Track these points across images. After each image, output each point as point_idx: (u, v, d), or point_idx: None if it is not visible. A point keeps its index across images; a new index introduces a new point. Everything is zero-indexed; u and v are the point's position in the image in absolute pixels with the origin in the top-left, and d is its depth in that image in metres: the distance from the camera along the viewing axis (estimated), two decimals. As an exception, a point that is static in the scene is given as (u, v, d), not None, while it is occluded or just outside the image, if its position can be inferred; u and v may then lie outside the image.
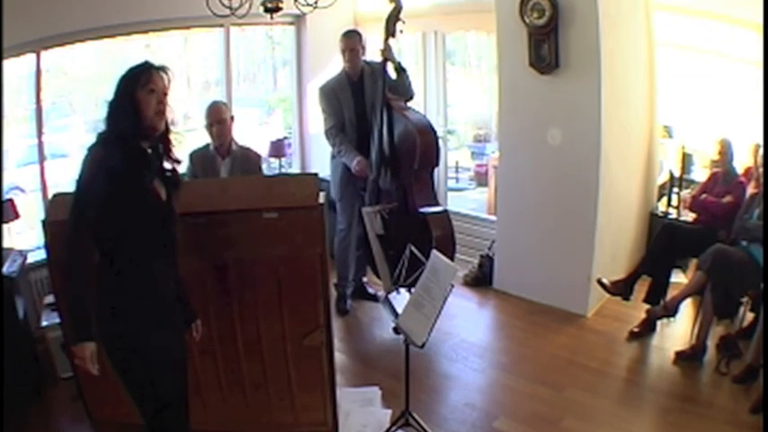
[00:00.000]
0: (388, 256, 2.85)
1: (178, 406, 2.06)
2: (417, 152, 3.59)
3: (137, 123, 1.85)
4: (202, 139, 3.38)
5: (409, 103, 3.83)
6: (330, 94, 3.81)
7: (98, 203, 1.78)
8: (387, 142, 3.66)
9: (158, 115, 1.90)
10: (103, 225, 1.81)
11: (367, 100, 3.80)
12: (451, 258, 3.73)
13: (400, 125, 3.66)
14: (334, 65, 3.94)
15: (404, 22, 3.54)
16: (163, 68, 1.91)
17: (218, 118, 3.25)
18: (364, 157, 3.76)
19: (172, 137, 2.01)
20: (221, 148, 3.31)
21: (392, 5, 3.51)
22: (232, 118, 3.36)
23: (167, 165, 2.02)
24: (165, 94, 1.91)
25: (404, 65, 3.73)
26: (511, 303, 4.17)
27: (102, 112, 1.90)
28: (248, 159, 3.36)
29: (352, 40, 3.78)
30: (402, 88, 3.70)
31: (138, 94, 1.85)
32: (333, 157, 3.97)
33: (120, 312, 1.87)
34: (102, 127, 1.89)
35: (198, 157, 3.34)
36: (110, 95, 1.88)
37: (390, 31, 3.55)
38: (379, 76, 3.64)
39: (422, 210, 3.67)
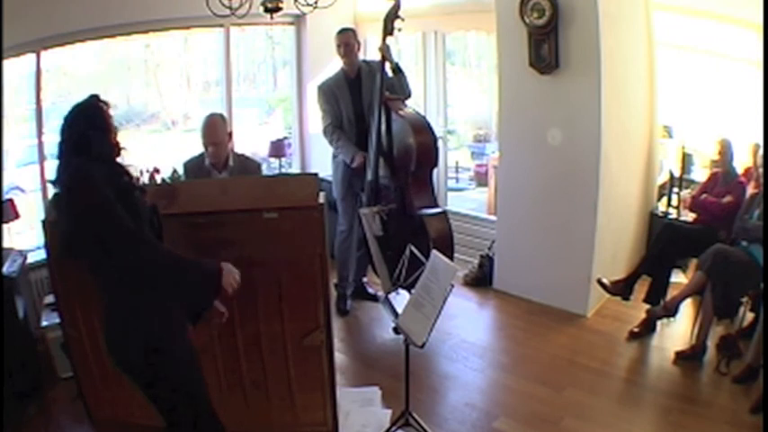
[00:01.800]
0: (387, 256, 2.85)
1: (203, 404, 2.07)
2: (414, 153, 3.60)
3: (115, 144, 1.95)
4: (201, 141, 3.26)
5: (409, 103, 3.83)
6: (328, 92, 3.82)
7: (117, 206, 1.80)
8: (384, 142, 3.67)
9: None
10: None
11: (364, 98, 3.80)
12: (450, 259, 3.75)
13: (397, 125, 3.66)
14: (333, 65, 3.95)
15: (402, 20, 3.54)
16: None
17: (213, 140, 3.05)
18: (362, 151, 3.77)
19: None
20: (217, 164, 3.14)
21: (391, 3, 3.51)
22: (230, 135, 3.16)
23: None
24: None
25: (402, 65, 3.74)
26: (511, 303, 4.17)
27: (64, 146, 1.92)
28: (246, 170, 3.20)
29: (345, 35, 3.79)
30: (399, 87, 3.71)
31: (109, 117, 1.94)
32: (334, 156, 3.97)
33: (140, 323, 1.87)
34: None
35: (192, 167, 3.19)
36: (76, 128, 1.90)
37: (389, 30, 3.56)
38: (377, 74, 3.64)
39: (419, 211, 3.66)
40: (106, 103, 1.96)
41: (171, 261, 1.87)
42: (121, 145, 1.98)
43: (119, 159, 1.97)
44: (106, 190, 1.80)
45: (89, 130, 1.87)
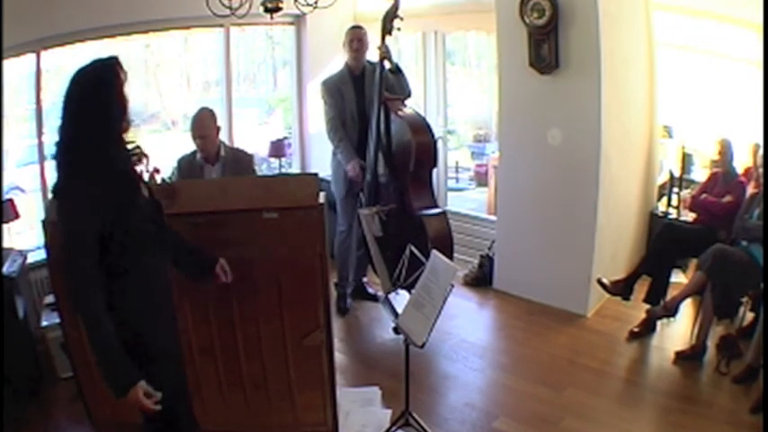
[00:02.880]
0: (386, 257, 2.85)
1: (183, 403, 2.06)
2: (413, 153, 3.60)
3: (122, 124, 1.79)
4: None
5: (409, 103, 3.84)
6: (333, 88, 3.82)
7: (96, 238, 1.72)
8: (384, 142, 3.67)
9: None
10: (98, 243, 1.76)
11: (368, 95, 3.81)
12: (449, 259, 3.75)
13: (396, 125, 3.67)
14: (334, 65, 3.95)
15: (401, 19, 3.54)
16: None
17: (200, 133, 3.13)
18: (361, 158, 3.78)
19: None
20: (209, 157, 3.22)
21: (390, 3, 3.51)
22: (218, 129, 3.22)
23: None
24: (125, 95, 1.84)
25: (402, 65, 3.75)
26: (511, 303, 4.17)
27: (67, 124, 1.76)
28: (239, 161, 3.27)
29: (360, 31, 3.81)
30: (398, 87, 3.71)
31: (120, 92, 1.77)
32: (334, 154, 3.97)
33: (119, 316, 1.86)
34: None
35: (185, 164, 3.27)
36: (78, 100, 1.74)
37: (387, 29, 3.56)
38: (378, 73, 3.65)
39: (419, 211, 3.67)
40: (122, 68, 1.76)
41: (98, 328, 1.70)
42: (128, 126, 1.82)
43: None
44: (88, 225, 1.69)
45: (94, 122, 1.71)
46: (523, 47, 3.74)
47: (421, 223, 3.63)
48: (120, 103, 1.79)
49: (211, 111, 3.24)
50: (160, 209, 2.01)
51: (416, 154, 3.60)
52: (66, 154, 1.77)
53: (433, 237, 3.60)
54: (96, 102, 1.75)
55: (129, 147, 1.90)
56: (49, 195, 1.80)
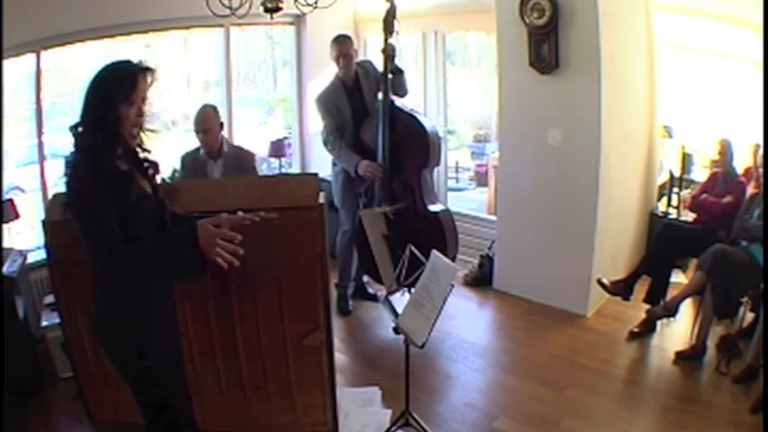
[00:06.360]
0: (396, 256, 2.84)
1: (183, 405, 2.06)
2: (422, 152, 3.63)
3: (116, 138, 1.76)
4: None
5: (409, 103, 3.84)
6: (329, 104, 3.79)
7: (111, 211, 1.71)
8: (393, 142, 3.66)
9: (137, 126, 1.80)
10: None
11: (367, 100, 3.80)
12: (455, 255, 3.79)
13: (403, 126, 3.66)
14: (333, 66, 3.93)
15: (398, 22, 3.54)
16: (149, 69, 1.78)
17: (203, 128, 3.26)
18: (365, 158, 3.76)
19: (145, 135, 1.89)
20: (211, 153, 3.33)
21: (388, 5, 3.51)
22: (221, 125, 3.36)
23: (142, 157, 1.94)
24: (145, 99, 1.79)
25: (401, 65, 3.74)
26: (511, 303, 4.17)
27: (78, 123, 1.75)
28: (240, 159, 3.36)
29: (345, 45, 3.77)
30: (400, 87, 3.71)
31: (120, 109, 1.72)
32: (333, 164, 3.95)
33: (123, 314, 1.86)
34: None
35: (189, 160, 3.36)
36: (86, 102, 1.73)
37: (389, 30, 3.55)
38: (374, 74, 3.70)
39: (431, 208, 3.72)
40: (136, 82, 1.71)
41: (146, 255, 1.73)
42: (135, 134, 1.78)
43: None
44: (98, 193, 1.69)
45: (97, 121, 1.70)
46: (523, 47, 3.74)
47: (437, 220, 3.69)
48: (117, 120, 1.74)
49: (214, 107, 3.37)
50: (164, 207, 1.99)
51: (432, 153, 3.66)
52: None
53: (449, 233, 3.70)
54: (91, 112, 1.74)
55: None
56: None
